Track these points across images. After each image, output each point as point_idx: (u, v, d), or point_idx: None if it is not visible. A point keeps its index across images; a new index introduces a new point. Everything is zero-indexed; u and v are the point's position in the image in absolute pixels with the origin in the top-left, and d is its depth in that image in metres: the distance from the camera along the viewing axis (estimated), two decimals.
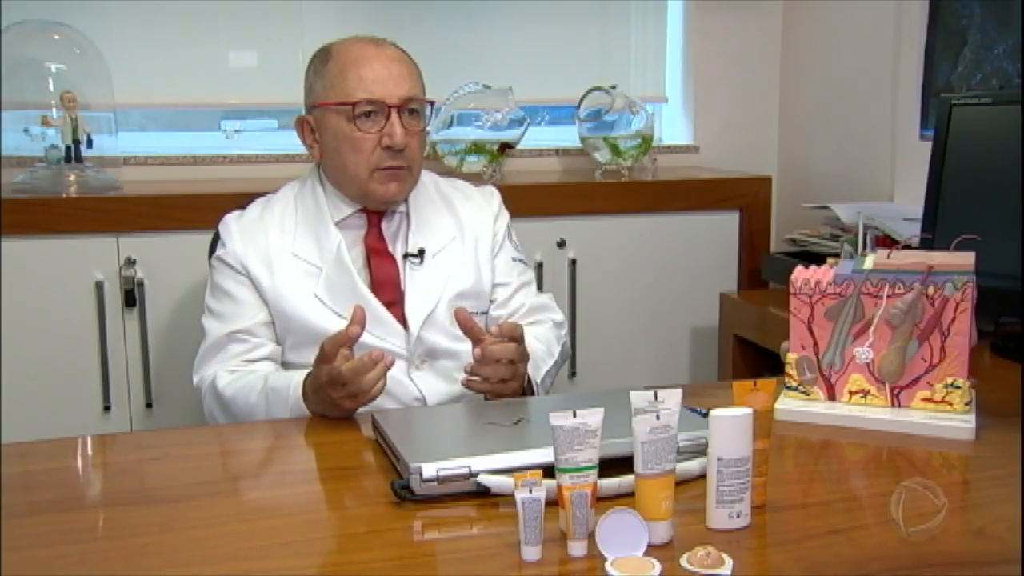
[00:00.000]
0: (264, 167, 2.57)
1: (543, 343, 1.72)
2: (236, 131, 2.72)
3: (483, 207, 1.81)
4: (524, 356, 1.51)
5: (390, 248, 1.72)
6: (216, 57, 2.63)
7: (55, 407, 2.18)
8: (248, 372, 1.61)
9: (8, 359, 2.14)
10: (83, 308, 2.18)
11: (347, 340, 1.40)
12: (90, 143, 2.31)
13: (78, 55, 2.36)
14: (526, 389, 1.59)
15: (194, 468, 1.28)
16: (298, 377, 1.51)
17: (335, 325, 1.58)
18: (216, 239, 1.76)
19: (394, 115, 1.65)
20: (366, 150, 1.65)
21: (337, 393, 1.40)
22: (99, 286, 2.18)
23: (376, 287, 1.68)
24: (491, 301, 1.76)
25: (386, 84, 1.65)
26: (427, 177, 1.83)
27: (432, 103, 1.73)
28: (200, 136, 2.73)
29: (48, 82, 2.31)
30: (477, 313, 1.69)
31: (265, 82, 2.63)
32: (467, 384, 1.49)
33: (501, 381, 1.49)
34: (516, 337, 1.48)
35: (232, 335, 1.64)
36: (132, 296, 2.20)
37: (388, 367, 1.40)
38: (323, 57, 1.71)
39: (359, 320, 1.40)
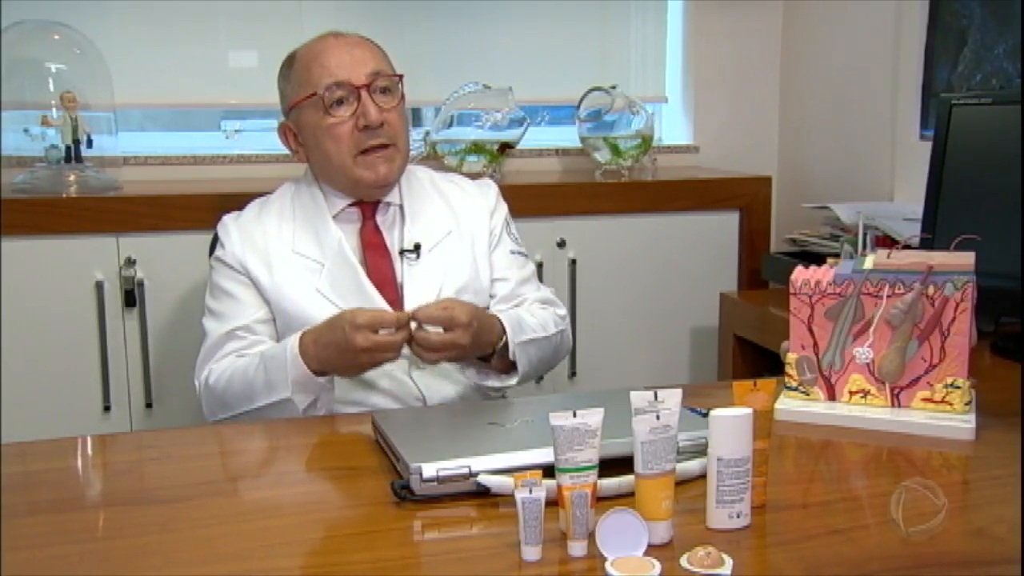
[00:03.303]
0: (264, 167, 2.58)
1: (538, 319, 1.71)
2: (236, 131, 2.72)
3: (479, 200, 1.80)
4: (451, 346, 1.52)
5: (386, 242, 1.72)
6: (216, 57, 2.63)
7: (55, 407, 2.17)
8: (239, 360, 1.62)
9: (8, 359, 2.14)
10: (83, 308, 2.18)
11: (402, 323, 1.47)
12: (90, 143, 2.31)
13: (78, 55, 2.36)
14: (498, 353, 1.61)
15: (194, 468, 1.28)
16: (294, 337, 1.53)
17: None
18: (215, 241, 1.76)
19: (364, 95, 1.65)
20: (344, 136, 1.65)
21: (366, 358, 1.47)
22: (99, 286, 2.18)
23: (373, 284, 1.68)
24: (491, 296, 1.76)
25: (350, 66, 1.65)
26: (422, 171, 1.83)
27: (401, 77, 1.71)
28: (200, 136, 2.74)
29: (48, 82, 2.30)
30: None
31: (265, 82, 2.60)
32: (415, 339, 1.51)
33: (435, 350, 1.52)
34: (447, 326, 1.51)
35: (231, 333, 1.64)
36: (132, 296, 2.20)
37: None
38: (288, 62, 1.73)
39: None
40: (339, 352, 1.48)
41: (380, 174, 1.67)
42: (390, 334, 1.47)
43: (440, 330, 1.50)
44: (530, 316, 1.70)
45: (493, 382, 1.64)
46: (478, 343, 1.56)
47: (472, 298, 1.68)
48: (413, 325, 1.50)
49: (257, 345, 1.64)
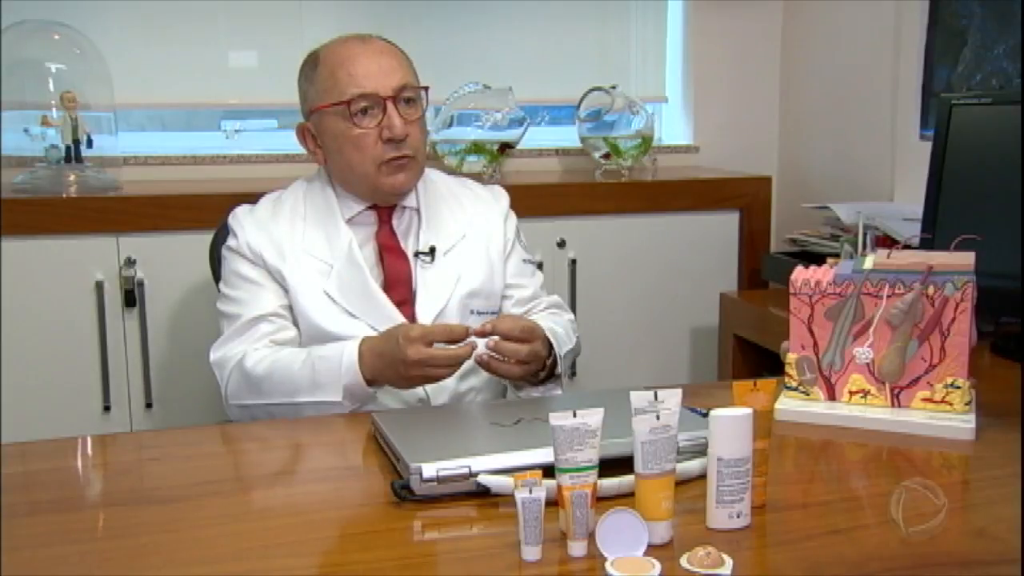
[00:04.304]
0: (264, 167, 2.58)
1: (563, 329, 1.72)
2: (236, 131, 2.73)
3: (493, 206, 1.81)
4: (534, 357, 1.55)
5: (402, 245, 1.72)
6: (216, 57, 2.63)
7: (55, 407, 2.18)
8: (280, 349, 1.61)
9: (8, 359, 2.14)
10: (83, 308, 2.19)
11: (456, 337, 1.47)
12: (90, 143, 2.31)
13: (78, 55, 2.36)
14: (548, 367, 1.62)
15: (194, 468, 1.28)
16: (351, 343, 1.53)
17: (344, 323, 1.61)
18: (225, 231, 1.74)
19: (390, 106, 1.64)
20: (368, 146, 1.65)
21: (417, 371, 1.46)
22: (99, 286, 2.18)
23: (388, 285, 1.68)
24: (504, 298, 1.77)
25: (377, 77, 1.64)
26: (436, 175, 1.83)
27: (427, 89, 1.72)
28: (200, 136, 2.74)
29: (48, 82, 2.31)
30: (488, 313, 1.70)
31: (265, 82, 2.63)
32: (482, 360, 1.53)
33: (518, 364, 1.54)
34: (528, 338, 1.53)
35: (260, 317, 1.63)
36: (132, 296, 2.20)
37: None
38: (312, 63, 1.71)
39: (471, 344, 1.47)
40: (391, 363, 1.48)
41: (399, 182, 1.68)
42: (444, 348, 1.47)
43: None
44: (559, 327, 1.70)
45: (535, 392, 1.64)
46: (537, 359, 1.58)
47: (484, 302, 1.71)
48: (491, 341, 1.51)
49: (286, 330, 1.64)
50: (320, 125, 1.70)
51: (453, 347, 1.47)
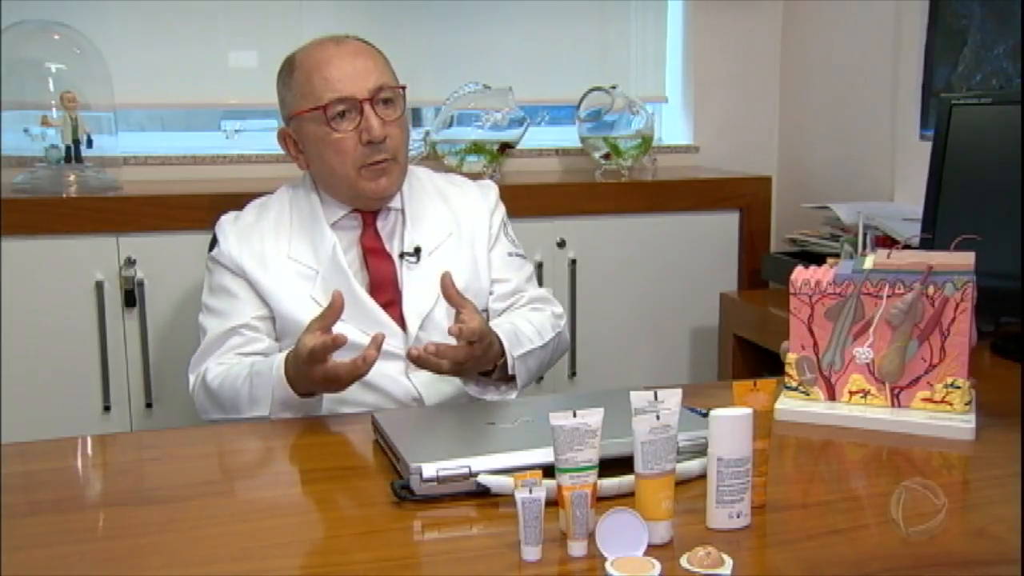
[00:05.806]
0: (264, 167, 2.57)
1: (535, 326, 1.70)
2: (236, 131, 2.72)
3: (479, 201, 1.81)
4: (472, 356, 1.51)
5: (387, 246, 1.72)
6: (216, 57, 2.63)
7: (55, 407, 2.17)
8: (237, 363, 1.61)
9: (8, 359, 2.14)
10: (83, 308, 2.18)
11: (340, 343, 1.39)
12: (90, 143, 2.31)
13: (78, 55, 2.36)
14: (499, 367, 1.60)
15: (194, 468, 1.28)
16: (279, 358, 1.52)
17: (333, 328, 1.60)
18: (213, 240, 1.76)
19: (367, 108, 1.64)
20: (348, 150, 1.65)
21: (335, 385, 1.43)
22: (99, 286, 2.18)
23: (374, 287, 1.68)
24: (490, 293, 1.76)
25: (353, 80, 1.64)
26: (423, 172, 1.83)
27: (404, 88, 1.71)
28: (200, 136, 2.74)
29: (48, 82, 2.30)
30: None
31: (265, 82, 2.59)
32: (410, 355, 1.48)
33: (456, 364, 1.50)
34: (471, 339, 1.48)
35: (232, 330, 1.64)
36: (132, 296, 2.20)
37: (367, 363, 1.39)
38: (288, 68, 1.71)
39: (378, 345, 1.39)
40: (308, 379, 1.46)
41: (381, 187, 1.68)
42: (350, 359, 1.40)
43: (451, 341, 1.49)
44: (526, 323, 1.69)
45: (492, 395, 1.63)
46: (480, 361, 1.55)
47: (472, 299, 1.68)
48: (430, 346, 1.47)
49: (257, 342, 1.64)
50: (300, 131, 1.70)
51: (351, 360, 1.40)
